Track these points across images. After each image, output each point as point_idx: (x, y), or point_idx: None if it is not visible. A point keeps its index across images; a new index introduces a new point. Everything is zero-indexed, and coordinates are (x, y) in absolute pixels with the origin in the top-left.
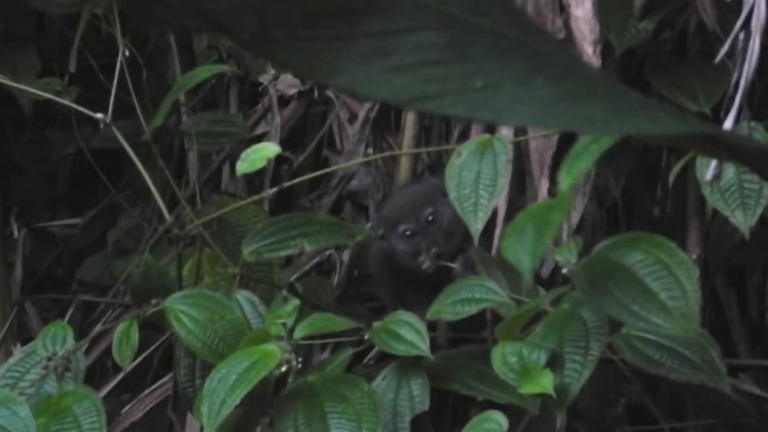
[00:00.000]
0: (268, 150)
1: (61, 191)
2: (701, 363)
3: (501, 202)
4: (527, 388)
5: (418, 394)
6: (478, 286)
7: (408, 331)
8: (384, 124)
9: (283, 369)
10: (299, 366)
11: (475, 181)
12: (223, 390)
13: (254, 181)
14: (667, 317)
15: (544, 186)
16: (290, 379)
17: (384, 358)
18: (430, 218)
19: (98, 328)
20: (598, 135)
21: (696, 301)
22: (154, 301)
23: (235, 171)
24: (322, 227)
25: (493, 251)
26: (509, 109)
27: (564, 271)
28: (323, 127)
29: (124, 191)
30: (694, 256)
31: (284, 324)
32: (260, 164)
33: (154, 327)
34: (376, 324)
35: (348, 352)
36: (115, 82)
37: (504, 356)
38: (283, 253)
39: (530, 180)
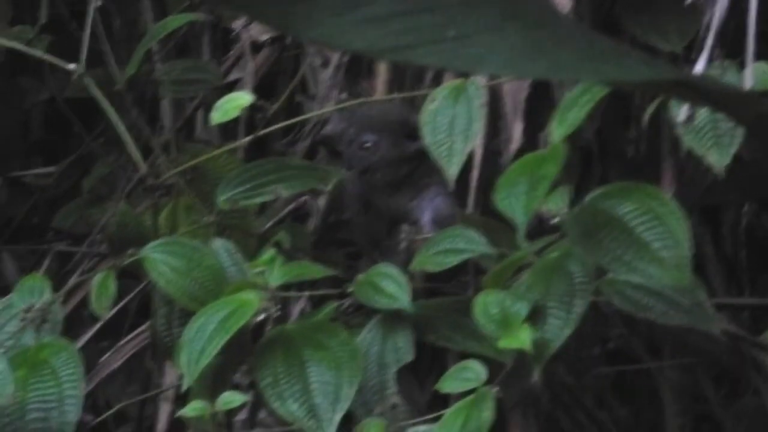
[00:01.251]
0: (241, 99)
1: (35, 139)
2: (690, 306)
3: (476, 146)
4: (505, 342)
5: (402, 346)
6: (461, 237)
7: (389, 284)
8: (357, 69)
9: (262, 317)
10: (278, 314)
11: (449, 126)
12: (202, 339)
13: (228, 127)
14: (659, 267)
15: (518, 129)
16: (268, 328)
17: (362, 306)
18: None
19: (74, 278)
20: (570, 81)
21: (688, 251)
22: (130, 251)
23: (208, 119)
24: (297, 172)
25: (470, 197)
26: (482, 59)
27: (555, 220)
28: (296, 73)
29: (98, 139)
30: (668, 195)
31: (261, 272)
32: (234, 114)
33: (131, 275)
34: (360, 276)
35: (331, 306)
36: (86, 30)
37: (485, 306)
38: (258, 200)
39: (504, 123)
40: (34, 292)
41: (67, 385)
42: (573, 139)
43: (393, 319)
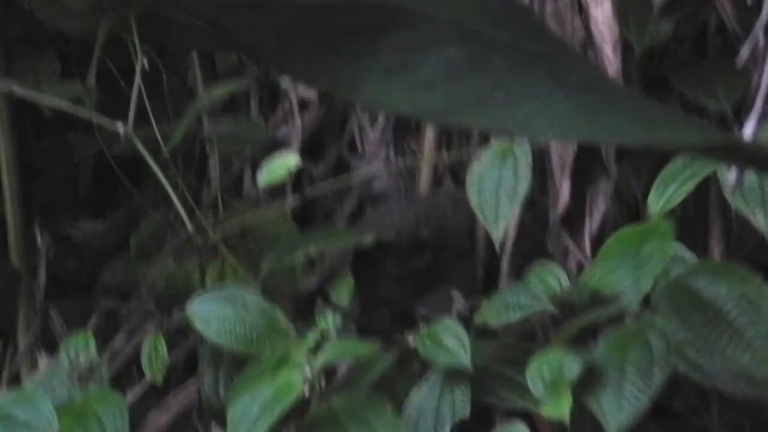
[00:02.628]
0: (288, 161)
1: (83, 194)
2: (763, 378)
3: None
4: (547, 410)
5: (460, 401)
6: (523, 292)
7: (451, 339)
8: (405, 126)
9: (307, 393)
10: (322, 388)
11: (495, 188)
12: (247, 423)
13: (277, 185)
14: (753, 356)
15: (565, 187)
16: (313, 402)
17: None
18: None
19: (121, 335)
20: (620, 144)
21: None
22: (176, 311)
23: (256, 177)
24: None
25: (504, 262)
26: (530, 123)
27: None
28: (344, 130)
29: (145, 193)
30: (716, 253)
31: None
32: (281, 175)
33: (178, 330)
34: (422, 329)
35: (387, 359)
36: (135, 89)
37: (540, 367)
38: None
39: (551, 181)
40: (80, 348)
41: None
42: (620, 197)
43: (452, 374)
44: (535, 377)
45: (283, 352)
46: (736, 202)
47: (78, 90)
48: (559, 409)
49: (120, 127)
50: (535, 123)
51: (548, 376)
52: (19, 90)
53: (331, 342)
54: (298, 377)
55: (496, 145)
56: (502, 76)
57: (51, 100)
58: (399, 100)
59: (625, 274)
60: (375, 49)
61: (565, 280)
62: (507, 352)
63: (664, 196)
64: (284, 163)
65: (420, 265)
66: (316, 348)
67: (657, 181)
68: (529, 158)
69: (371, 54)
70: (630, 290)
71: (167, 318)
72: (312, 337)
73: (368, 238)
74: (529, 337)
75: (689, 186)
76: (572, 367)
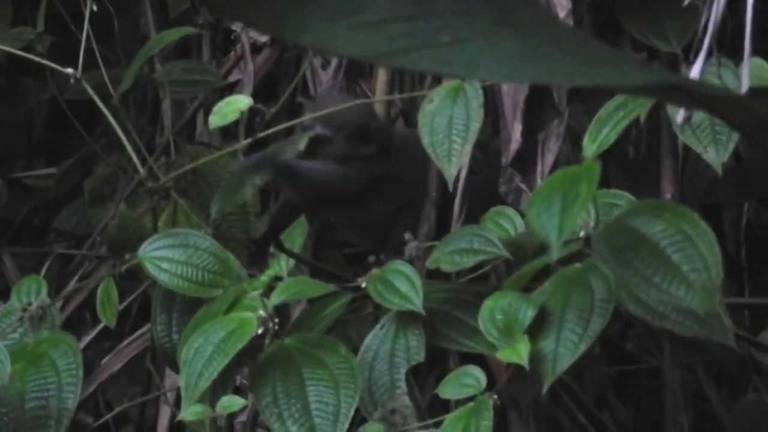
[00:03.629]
0: (240, 102)
1: (37, 139)
2: (706, 317)
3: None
4: (503, 354)
5: (414, 345)
6: (477, 237)
7: (403, 283)
8: (357, 70)
9: (260, 331)
10: (276, 328)
11: (447, 127)
12: (200, 362)
13: (229, 128)
14: (688, 290)
15: (517, 129)
16: (267, 341)
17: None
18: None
19: (74, 281)
20: (567, 86)
21: (718, 275)
22: (128, 256)
23: (209, 120)
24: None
25: (457, 200)
26: (476, 64)
27: (581, 234)
28: (297, 74)
29: (99, 140)
30: (668, 195)
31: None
32: (233, 117)
33: (131, 275)
34: (373, 272)
35: (340, 302)
36: (84, 33)
37: (492, 311)
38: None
39: (503, 123)
40: (32, 293)
41: (65, 374)
42: (573, 139)
43: (406, 317)
44: (488, 321)
45: (236, 293)
46: (686, 139)
47: (30, 35)
48: (517, 354)
49: (70, 71)
50: (482, 64)
51: (502, 321)
52: None
53: (285, 283)
54: (251, 317)
55: (447, 84)
56: (448, 17)
57: (1, 45)
58: (344, 42)
59: (550, 219)
60: None
61: (520, 225)
62: (460, 294)
63: (598, 138)
64: (235, 105)
65: (367, 153)
66: (269, 289)
67: (591, 124)
68: (481, 97)
69: None
70: (554, 233)
71: (119, 263)
72: (265, 278)
73: (309, 135)
74: (480, 278)
75: (621, 127)
76: (526, 311)
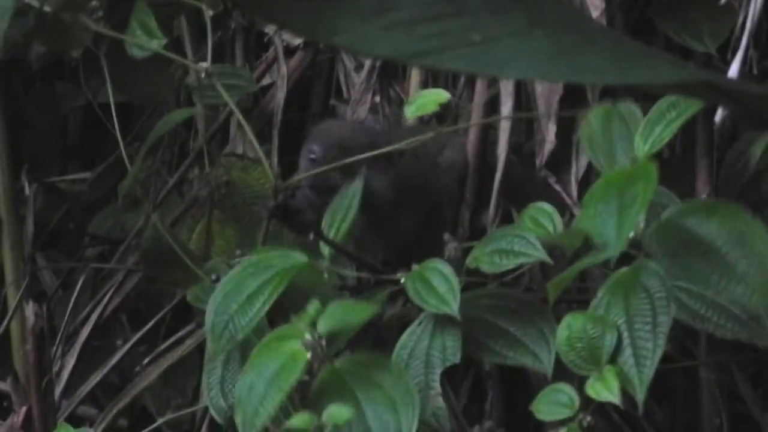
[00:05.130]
0: (439, 95)
1: (72, 144)
2: (747, 319)
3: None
4: (593, 391)
5: (450, 346)
6: (518, 239)
7: (441, 283)
8: (390, 72)
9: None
10: (324, 355)
11: (609, 147)
12: (255, 399)
13: (263, 131)
14: (745, 289)
15: (551, 130)
16: (316, 366)
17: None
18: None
19: (111, 290)
20: (599, 84)
21: None
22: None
23: (241, 123)
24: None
25: (492, 200)
26: (508, 63)
27: (630, 234)
28: (330, 77)
29: (133, 143)
30: (704, 195)
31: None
32: (431, 108)
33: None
34: (413, 268)
35: (379, 296)
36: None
37: (570, 339)
38: None
39: (537, 124)
40: None
41: None
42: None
43: (443, 317)
44: (569, 351)
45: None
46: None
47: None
48: (608, 389)
49: (204, 66)
50: (514, 63)
51: (584, 349)
52: None
53: (331, 308)
54: (300, 348)
55: (600, 108)
56: (480, 17)
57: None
58: (377, 42)
59: (608, 218)
60: None
61: (559, 223)
62: (501, 301)
63: (650, 138)
64: (434, 98)
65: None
66: (317, 316)
67: (642, 124)
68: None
69: None
70: (613, 234)
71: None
72: (312, 312)
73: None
74: (515, 280)
75: (674, 127)
76: (607, 336)
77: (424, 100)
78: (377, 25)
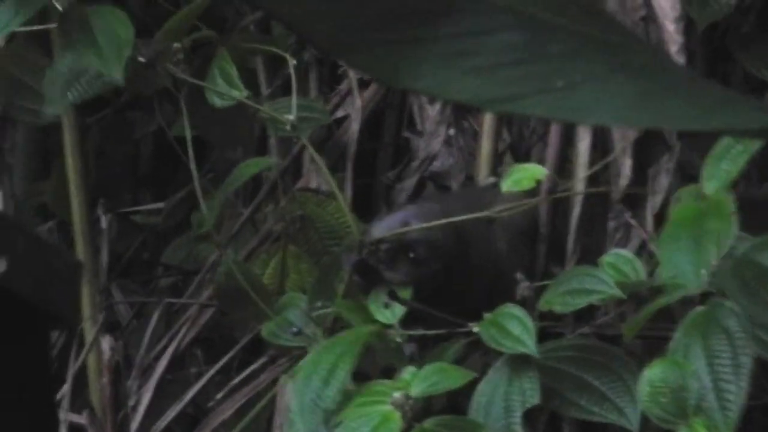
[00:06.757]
0: (536, 171)
1: (144, 174)
2: None
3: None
4: None
5: (529, 388)
6: (589, 277)
7: (516, 326)
8: (464, 104)
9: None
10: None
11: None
12: None
13: (337, 165)
14: None
15: (627, 164)
16: (404, 425)
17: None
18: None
19: (186, 324)
20: (684, 130)
21: None
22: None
23: (313, 156)
24: None
25: (570, 238)
26: (590, 109)
27: (703, 272)
28: (404, 108)
29: (207, 175)
30: None
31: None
32: (527, 185)
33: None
34: (485, 316)
35: (454, 348)
36: None
37: (654, 393)
38: None
39: (613, 157)
40: None
41: None
42: (683, 175)
43: (519, 360)
44: (654, 406)
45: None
46: None
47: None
48: None
49: (290, 118)
50: (596, 109)
51: (670, 404)
52: None
53: (424, 372)
54: (393, 411)
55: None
56: (562, 62)
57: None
58: (457, 87)
59: (682, 256)
60: (433, 36)
61: (641, 272)
62: (584, 353)
63: (716, 174)
64: (531, 173)
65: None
66: (409, 380)
67: (707, 160)
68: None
69: (429, 41)
70: (690, 272)
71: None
72: (408, 376)
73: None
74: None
75: (741, 162)
76: (691, 386)
77: (520, 176)
78: (458, 70)
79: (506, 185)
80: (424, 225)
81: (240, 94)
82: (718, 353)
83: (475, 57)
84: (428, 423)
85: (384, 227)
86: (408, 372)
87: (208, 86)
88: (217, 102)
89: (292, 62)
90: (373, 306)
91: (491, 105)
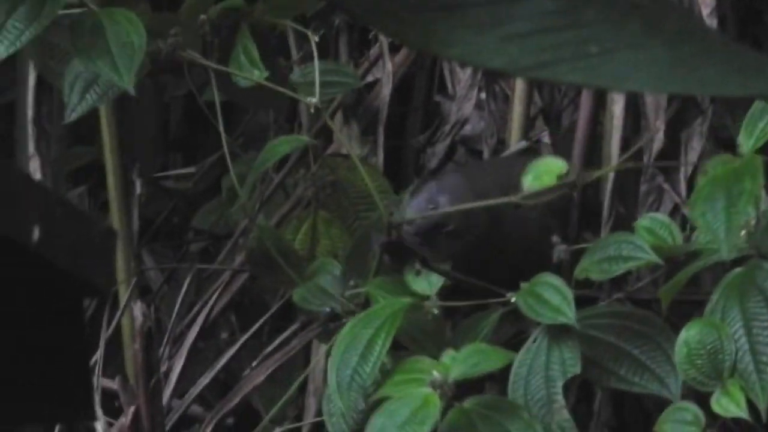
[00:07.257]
0: (557, 165)
1: (174, 139)
2: None
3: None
4: (720, 407)
5: (569, 357)
6: (626, 243)
7: (554, 295)
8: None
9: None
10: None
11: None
12: None
13: (368, 129)
14: None
15: (660, 128)
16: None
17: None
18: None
19: (218, 290)
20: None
21: None
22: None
23: (345, 119)
24: None
25: (605, 202)
26: (625, 75)
27: (742, 233)
28: (435, 72)
29: (238, 139)
30: None
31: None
32: (548, 181)
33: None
34: (522, 286)
35: (492, 317)
36: None
37: (689, 354)
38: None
39: (645, 121)
40: None
41: None
42: (715, 138)
43: (557, 330)
44: (689, 368)
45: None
46: None
47: None
48: (735, 403)
49: (313, 101)
50: (632, 75)
51: (705, 365)
52: None
53: (463, 353)
54: (432, 394)
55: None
56: (595, 28)
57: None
58: (491, 54)
59: (715, 218)
60: (466, 3)
61: (678, 236)
62: (625, 321)
63: (754, 133)
64: (552, 169)
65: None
66: (449, 364)
67: (745, 120)
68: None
69: (462, 8)
70: (723, 234)
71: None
72: (447, 361)
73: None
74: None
75: None
76: (728, 348)
77: (541, 171)
78: (491, 37)
79: (527, 181)
80: (455, 208)
81: (260, 75)
82: (756, 315)
83: (508, 24)
84: (468, 403)
85: (414, 207)
86: (447, 355)
87: (231, 71)
88: (242, 82)
89: (314, 38)
90: (410, 277)
91: (525, 72)
